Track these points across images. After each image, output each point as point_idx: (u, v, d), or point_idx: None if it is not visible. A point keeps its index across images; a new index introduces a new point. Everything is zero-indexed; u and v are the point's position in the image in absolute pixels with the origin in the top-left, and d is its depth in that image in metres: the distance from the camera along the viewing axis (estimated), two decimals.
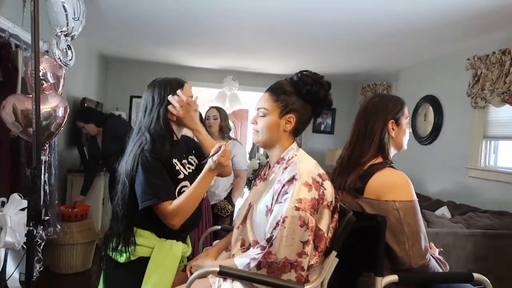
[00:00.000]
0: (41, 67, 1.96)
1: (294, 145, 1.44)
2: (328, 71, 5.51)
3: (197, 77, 5.88)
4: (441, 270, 1.44)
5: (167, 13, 3.29)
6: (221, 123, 3.22)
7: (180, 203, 1.41)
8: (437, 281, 1.41)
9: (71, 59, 2.53)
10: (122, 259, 1.42)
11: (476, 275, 1.38)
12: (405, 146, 1.58)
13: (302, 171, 1.30)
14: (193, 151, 1.70)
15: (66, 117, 2.25)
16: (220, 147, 1.42)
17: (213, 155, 1.41)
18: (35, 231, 1.39)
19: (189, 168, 1.59)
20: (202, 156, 1.65)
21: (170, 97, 1.51)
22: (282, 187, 1.30)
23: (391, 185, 1.40)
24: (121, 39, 4.37)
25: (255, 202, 1.43)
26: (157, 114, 1.49)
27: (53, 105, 2.24)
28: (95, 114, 3.68)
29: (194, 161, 1.65)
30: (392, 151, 1.55)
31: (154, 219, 1.42)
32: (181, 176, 1.53)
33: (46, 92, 2.14)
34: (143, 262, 1.41)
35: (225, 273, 1.20)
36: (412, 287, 1.42)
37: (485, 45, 3.39)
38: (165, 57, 5.20)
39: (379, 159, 1.48)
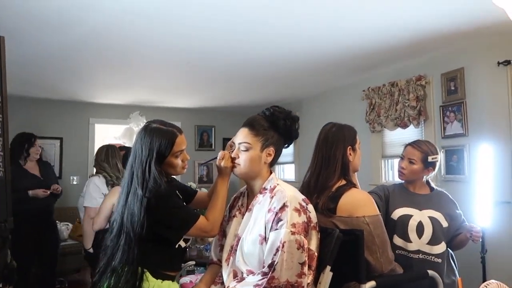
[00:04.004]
0: None
1: (273, 175, 1.56)
2: (234, 104, 5.78)
3: (102, 113, 5.64)
4: (401, 272, 1.68)
5: (71, 47, 3.12)
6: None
7: (214, 214, 1.52)
8: (404, 281, 1.65)
9: None
10: None
11: (430, 272, 1.65)
12: (358, 168, 1.81)
13: (290, 198, 1.42)
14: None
15: None
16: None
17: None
18: None
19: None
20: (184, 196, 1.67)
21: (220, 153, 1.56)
22: (276, 215, 1.39)
23: (359, 203, 1.60)
24: (12, 75, 3.95)
25: (242, 233, 1.49)
26: (148, 168, 1.42)
27: None
28: None
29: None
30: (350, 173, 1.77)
31: (155, 261, 1.39)
32: None
33: None
34: None
35: None
36: None
37: (377, 78, 4.00)
38: (67, 94, 4.88)
39: (343, 182, 1.68)
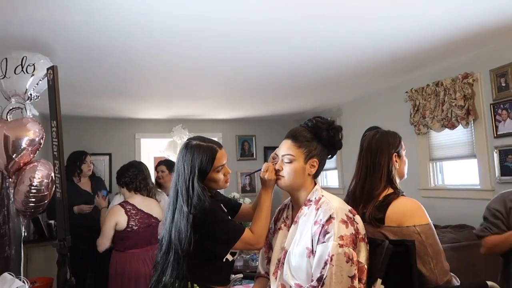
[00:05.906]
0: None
1: (318, 186, 1.54)
2: (274, 113, 5.77)
3: (147, 128, 5.85)
4: (458, 283, 1.60)
5: (116, 68, 3.26)
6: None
7: (259, 227, 1.53)
8: None
9: None
10: None
11: (489, 283, 1.55)
12: (405, 175, 1.75)
13: (336, 209, 1.39)
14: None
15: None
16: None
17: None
18: None
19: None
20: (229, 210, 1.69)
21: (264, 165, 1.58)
22: (322, 227, 1.37)
23: (409, 212, 1.55)
24: (64, 98, 4.19)
25: (289, 246, 1.48)
26: (191, 185, 1.45)
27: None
28: None
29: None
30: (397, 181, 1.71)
31: (204, 275, 1.42)
32: None
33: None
34: None
35: None
36: None
37: (420, 78, 3.86)
38: (114, 111, 5.10)
39: (390, 190, 1.64)
